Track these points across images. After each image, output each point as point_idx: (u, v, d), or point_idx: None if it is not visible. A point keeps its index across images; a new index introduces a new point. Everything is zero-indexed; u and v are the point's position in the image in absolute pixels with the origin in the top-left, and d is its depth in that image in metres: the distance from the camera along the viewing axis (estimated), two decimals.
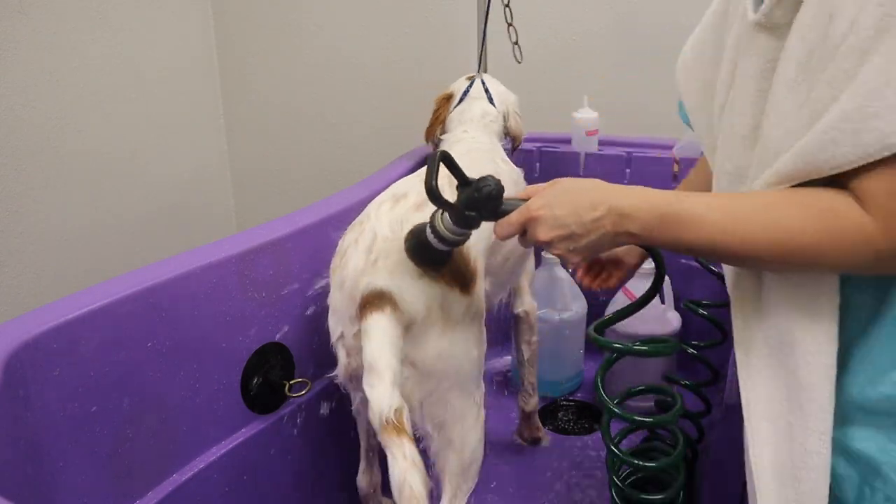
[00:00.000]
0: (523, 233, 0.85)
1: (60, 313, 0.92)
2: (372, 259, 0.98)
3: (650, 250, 0.98)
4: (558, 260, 1.66)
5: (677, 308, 1.63)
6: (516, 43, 1.66)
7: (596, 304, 1.71)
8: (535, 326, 1.51)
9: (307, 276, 1.25)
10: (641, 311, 1.55)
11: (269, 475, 1.23)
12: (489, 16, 1.64)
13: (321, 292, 1.30)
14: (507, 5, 1.63)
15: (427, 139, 1.58)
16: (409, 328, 0.95)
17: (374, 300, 0.93)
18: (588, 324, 1.65)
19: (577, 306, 1.70)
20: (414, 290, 0.95)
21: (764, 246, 0.71)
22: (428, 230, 0.90)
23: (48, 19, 1.78)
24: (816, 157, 0.67)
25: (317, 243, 1.27)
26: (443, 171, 0.85)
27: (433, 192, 0.83)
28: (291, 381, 1.23)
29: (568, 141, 1.77)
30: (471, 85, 1.54)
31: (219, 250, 1.12)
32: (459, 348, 1.01)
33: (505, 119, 1.52)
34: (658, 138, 1.73)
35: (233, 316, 1.14)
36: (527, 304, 1.48)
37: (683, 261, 1.64)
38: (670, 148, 1.63)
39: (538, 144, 1.80)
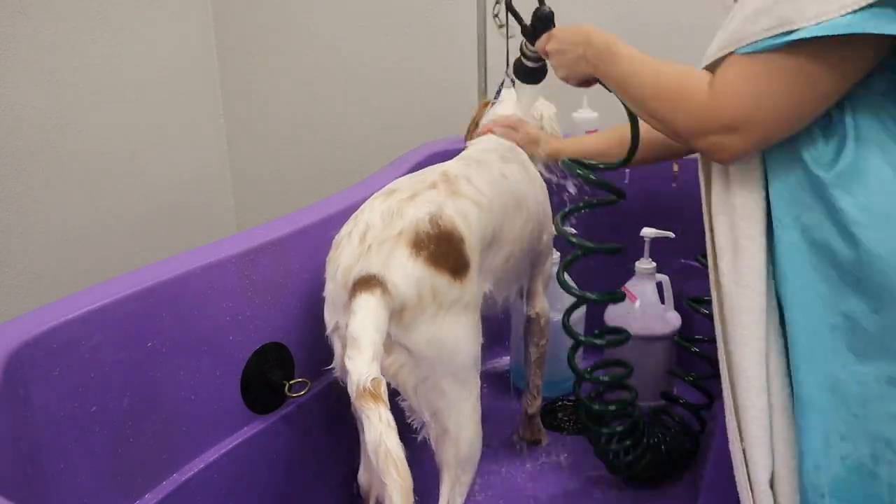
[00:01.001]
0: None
1: (60, 313, 0.92)
2: (365, 247, 1.02)
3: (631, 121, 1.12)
4: (556, 260, 1.66)
5: (678, 307, 1.63)
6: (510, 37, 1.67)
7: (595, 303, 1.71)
8: (547, 330, 1.51)
9: (307, 276, 1.26)
10: (642, 311, 1.57)
11: (269, 475, 1.23)
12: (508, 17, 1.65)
13: (321, 292, 1.30)
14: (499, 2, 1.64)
15: (466, 140, 1.59)
16: (401, 313, 0.99)
17: (364, 283, 0.97)
18: (587, 323, 1.66)
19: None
20: (405, 274, 0.99)
21: (648, 84, 0.92)
22: (519, 54, 1.24)
23: (48, 19, 1.78)
24: (713, 45, 0.86)
25: (317, 243, 1.27)
26: None
27: (512, 9, 1.21)
28: (291, 381, 1.24)
29: None
30: (499, 91, 1.57)
31: (219, 250, 1.12)
32: (451, 335, 1.03)
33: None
34: None
35: (233, 316, 1.14)
36: (538, 306, 1.48)
37: (683, 260, 1.64)
38: None
39: None
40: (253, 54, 2.33)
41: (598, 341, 1.40)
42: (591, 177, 1.21)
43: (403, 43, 2.14)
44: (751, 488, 0.88)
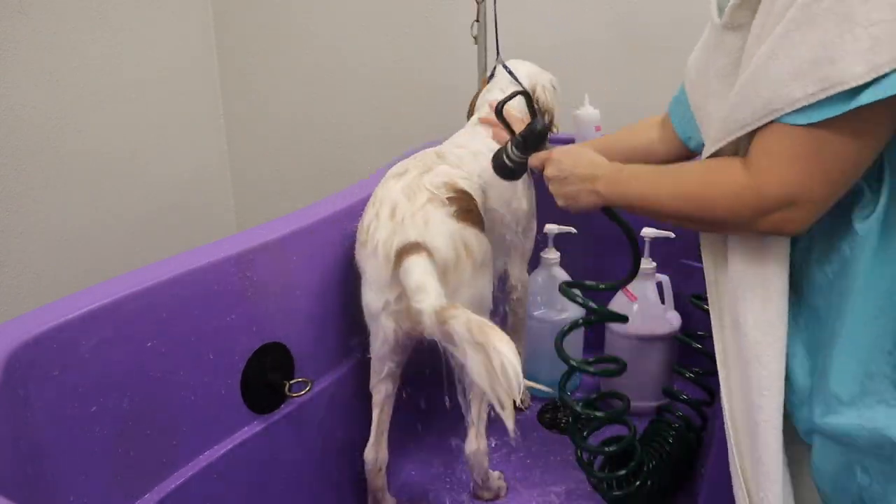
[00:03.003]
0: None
1: (60, 313, 0.92)
2: (398, 221, 1.13)
3: (612, 217, 1.12)
4: (557, 261, 1.66)
5: (678, 306, 1.63)
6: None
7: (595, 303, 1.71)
8: (525, 299, 1.57)
9: (307, 276, 1.26)
10: (642, 311, 1.57)
11: (270, 475, 1.23)
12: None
13: (321, 292, 1.30)
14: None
15: (468, 118, 1.62)
16: (444, 276, 1.10)
17: (409, 250, 1.08)
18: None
19: (575, 306, 1.70)
20: (442, 235, 1.12)
21: (670, 196, 0.87)
22: (502, 153, 1.17)
23: (48, 19, 1.78)
24: (727, 119, 0.81)
25: (317, 243, 1.27)
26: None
27: (500, 115, 1.16)
28: (291, 381, 1.24)
29: (570, 141, 1.76)
30: (494, 70, 1.57)
31: (219, 250, 1.12)
32: (485, 292, 1.22)
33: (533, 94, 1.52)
34: None
35: (233, 316, 1.14)
36: (516, 277, 1.53)
37: (684, 260, 1.64)
38: None
39: None
40: (253, 54, 2.33)
41: (590, 369, 1.40)
42: (590, 305, 1.33)
43: (403, 43, 2.14)
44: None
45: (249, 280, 1.15)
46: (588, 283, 1.34)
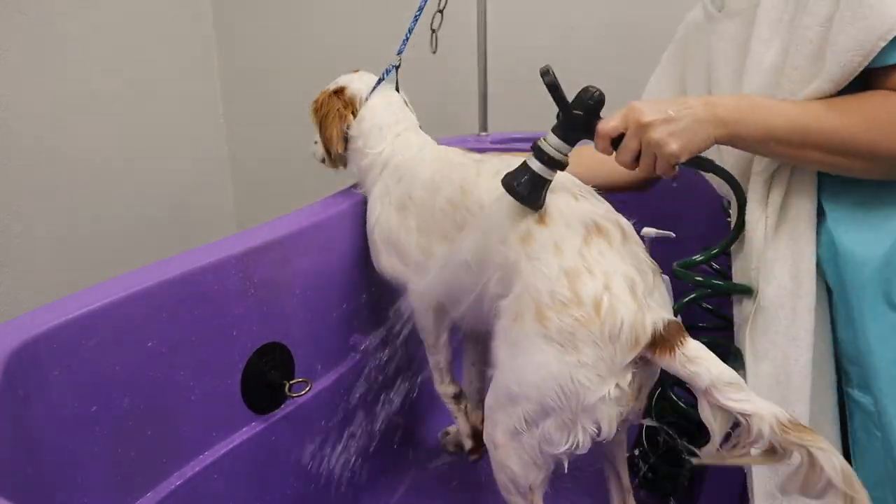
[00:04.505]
0: (618, 140, 0.88)
1: (60, 313, 0.92)
2: (640, 299, 0.91)
3: (724, 177, 0.96)
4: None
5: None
6: (434, 31, 1.62)
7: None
8: None
9: (307, 276, 1.25)
10: None
11: (269, 475, 1.23)
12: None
13: (321, 292, 1.30)
14: None
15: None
16: None
17: (677, 331, 0.89)
18: None
19: None
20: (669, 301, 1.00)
21: (833, 128, 0.82)
22: (532, 158, 0.91)
23: (48, 19, 1.78)
24: (852, 55, 0.80)
25: (317, 243, 1.27)
26: None
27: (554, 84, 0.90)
28: (291, 381, 1.23)
29: None
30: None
31: (219, 250, 1.12)
32: None
33: None
34: None
35: (233, 315, 1.14)
36: None
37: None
38: None
39: None
40: (253, 54, 2.32)
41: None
42: (713, 282, 1.10)
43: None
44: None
45: (249, 280, 1.15)
46: (696, 258, 1.11)
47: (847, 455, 0.91)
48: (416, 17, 1.41)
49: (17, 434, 0.85)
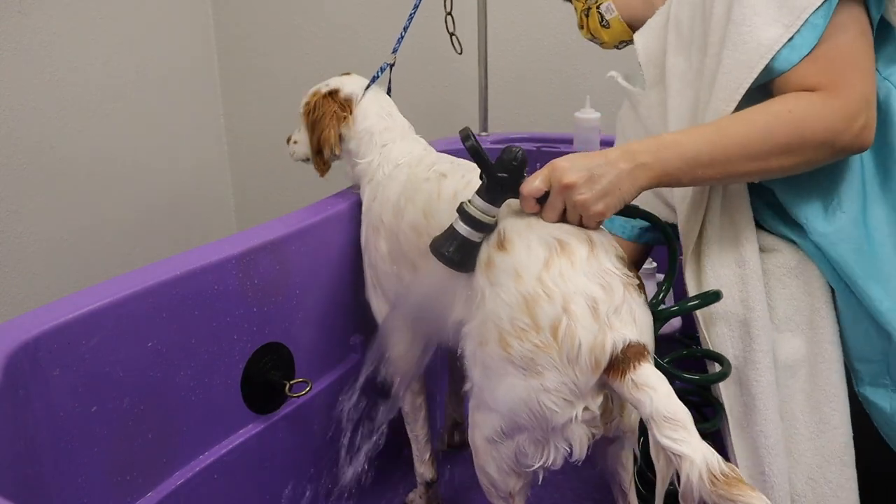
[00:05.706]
0: (544, 198, 0.88)
1: (60, 313, 0.92)
2: (603, 320, 0.86)
3: (653, 221, 0.97)
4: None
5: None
6: (453, 34, 1.62)
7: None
8: None
9: (307, 276, 1.25)
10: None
11: (270, 475, 1.23)
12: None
13: (321, 292, 1.30)
14: None
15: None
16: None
17: (637, 353, 0.84)
18: None
19: None
20: (648, 324, 0.90)
21: (760, 140, 0.84)
22: (458, 221, 0.89)
23: (48, 19, 1.78)
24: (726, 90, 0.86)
25: (317, 243, 1.27)
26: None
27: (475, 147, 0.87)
28: (291, 381, 1.23)
29: (569, 141, 1.77)
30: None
31: (219, 250, 1.12)
32: None
33: None
34: None
35: (233, 316, 1.14)
36: None
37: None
38: None
39: (538, 144, 1.80)
40: (253, 54, 2.32)
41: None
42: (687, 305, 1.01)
43: (405, 42, 2.14)
44: None
45: (249, 280, 1.15)
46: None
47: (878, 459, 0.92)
48: (410, 15, 1.40)
49: (17, 434, 0.85)
